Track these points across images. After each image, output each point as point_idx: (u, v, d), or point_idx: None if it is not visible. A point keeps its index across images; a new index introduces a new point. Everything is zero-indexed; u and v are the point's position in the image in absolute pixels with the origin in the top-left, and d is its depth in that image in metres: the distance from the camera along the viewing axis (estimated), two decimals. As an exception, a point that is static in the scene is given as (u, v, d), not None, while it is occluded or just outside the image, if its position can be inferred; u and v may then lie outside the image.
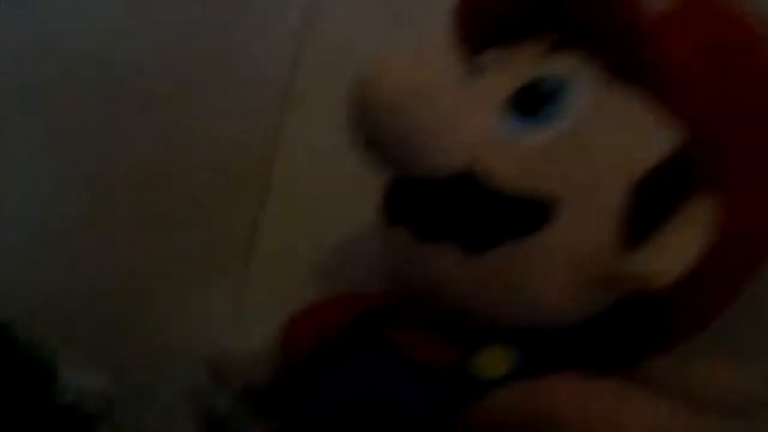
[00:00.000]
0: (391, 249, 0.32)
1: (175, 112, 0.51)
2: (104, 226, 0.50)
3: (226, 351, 0.38)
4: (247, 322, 0.40)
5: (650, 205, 0.28)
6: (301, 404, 0.33)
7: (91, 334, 0.49)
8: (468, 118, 0.29)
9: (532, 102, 0.29)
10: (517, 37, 0.33)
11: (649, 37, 0.28)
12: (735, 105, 0.29)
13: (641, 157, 0.28)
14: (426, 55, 0.30)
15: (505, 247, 0.28)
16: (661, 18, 0.28)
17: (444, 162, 0.29)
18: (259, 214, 0.52)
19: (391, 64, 0.29)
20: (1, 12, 0.49)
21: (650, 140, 0.28)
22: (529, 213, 0.28)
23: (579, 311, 0.30)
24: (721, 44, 0.30)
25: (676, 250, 0.28)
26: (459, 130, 0.29)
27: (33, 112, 0.49)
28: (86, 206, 0.49)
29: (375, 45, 0.36)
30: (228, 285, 0.51)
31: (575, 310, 0.30)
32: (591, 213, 0.28)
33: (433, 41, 0.35)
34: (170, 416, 0.41)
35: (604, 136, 0.28)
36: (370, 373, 0.32)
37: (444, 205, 0.30)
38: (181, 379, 0.37)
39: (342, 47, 0.50)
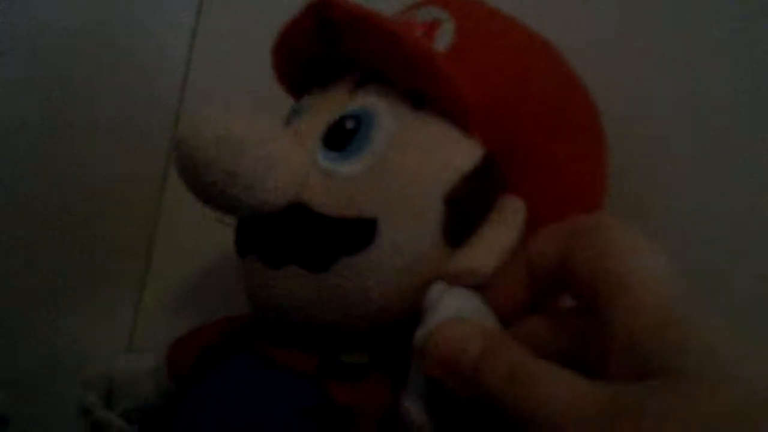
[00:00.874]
0: (245, 276, 0.35)
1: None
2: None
3: (116, 371, 0.39)
4: (138, 344, 0.41)
5: (465, 210, 0.31)
6: (175, 416, 0.34)
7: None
8: (287, 158, 0.31)
9: (340, 138, 0.32)
10: (330, 79, 0.35)
11: (436, 72, 0.31)
12: (520, 119, 0.32)
13: (449, 170, 0.31)
14: (240, 103, 0.31)
15: (340, 264, 0.31)
16: (445, 52, 0.32)
17: (269, 200, 0.31)
18: (152, 239, 0.53)
19: (205, 117, 0.30)
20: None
21: (455, 155, 0.31)
22: (355, 233, 0.31)
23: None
24: (500, 64, 0.33)
25: (491, 245, 0.30)
26: (279, 170, 0.31)
27: None
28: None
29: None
30: (122, 304, 0.52)
31: (415, 307, 0.31)
32: (411, 225, 0.31)
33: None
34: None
35: (413, 157, 0.31)
36: (239, 379, 0.33)
37: (281, 234, 0.32)
38: (72, 398, 0.38)
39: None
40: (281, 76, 0.38)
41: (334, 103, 0.34)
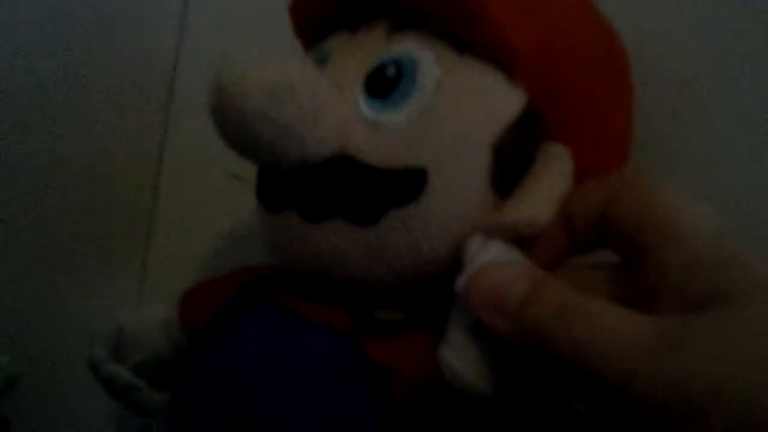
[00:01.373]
0: (278, 234, 0.33)
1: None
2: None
3: (125, 323, 0.38)
4: (148, 297, 0.40)
5: (512, 158, 0.30)
6: (194, 370, 0.33)
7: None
8: (332, 106, 0.30)
9: (383, 86, 0.30)
10: (359, 22, 0.33)
11: (486, 16, 0.29)
12: (566, 65, 0.31)
13: (496, 117, 0.30)
14: (281, 49, 0.29)
15: (389, 217, 0.30)
16: None
17: (316, 152, 0.30)
18: (155, 196, 0.53)
19: (251, 61, 0.28)
20: None
21: (501, 102, 0.30)
22: (404, 184, 0.29)
23: None
24: (544, 11, 0.32)
25: (545, 194, 0.29)
26: (326, 119, 0.29)
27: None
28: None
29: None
30: (130, 266, 0.52)
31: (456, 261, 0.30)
32: (461, 174, 0.30)
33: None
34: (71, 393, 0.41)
35: (460, 104, 0.30)
36: (266, 334, 0.32)
37: (324, 187, 0.30)
38: (83, 353, 0.37)
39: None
40: (300, 18, 0.35)
41: (369, 48, 0.32)
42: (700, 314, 0.22)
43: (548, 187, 0.29)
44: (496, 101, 0.30)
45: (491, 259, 0.28)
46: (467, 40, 0.30)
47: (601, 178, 0.28)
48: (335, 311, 0.32)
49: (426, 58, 0.30)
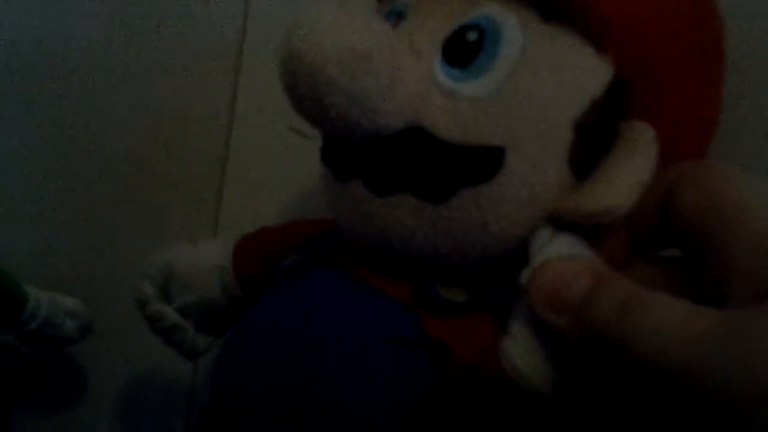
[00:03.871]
0: (343, 202, 0.32)
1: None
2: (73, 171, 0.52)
3: (177, 263, 0.37)
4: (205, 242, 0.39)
5: (594, 136, 0.28)
6: (248, 323, 0.33)
7: (68, 264, 0.51)
8: (408, 75, 0.28)
9: (463, 52, 0.29)
10: None
11: None
12: (659, 38, 0.29)
13: (581, 93, 0.28)
14: (357, 12, 0.27)
15: (460, 195, 0.28)
16: None
17: (387, 123, 0.28)
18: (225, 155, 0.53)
19: (325, 26, 0.26)
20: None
21: (588, 76, 0.28)
22: (480, 162, 0.28)
23: None
24: None
25: (627, 180, 0.27)
26: (401, 91, 0.28)
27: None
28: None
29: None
30: (201, 221, 0.52)
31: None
32: (539, 154, 0.28)
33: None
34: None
35: (543, 80, 0.28)
36: (325, 295, 0.32)
37: (396, 159, 0.29)
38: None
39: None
40: None
41: (449, 8, 0.30)
42: (762, 306, 0.21)
43: (630, 173, 0.27)
44: (582, 75, 0.28)
45: (555, 254, 0.27)
46: (557, 5, 0.28)
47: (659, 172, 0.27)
48: (399, 283, 0.31)
49: (510, 23, 0.28)
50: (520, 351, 0.27)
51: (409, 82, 0.28)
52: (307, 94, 0.27)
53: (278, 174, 0.50)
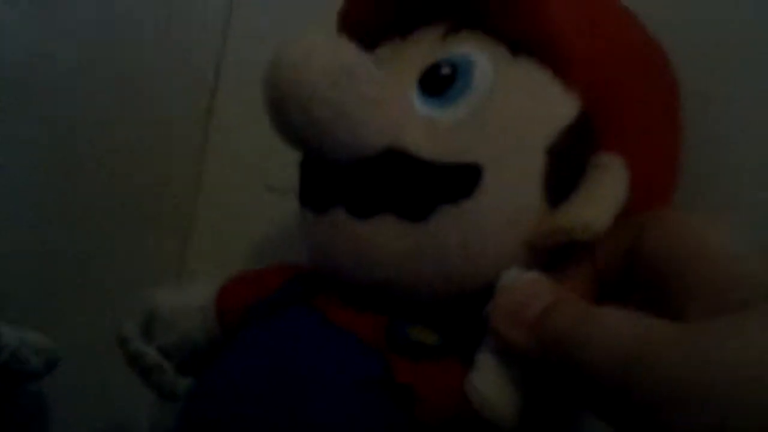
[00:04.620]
0: (322, 234, 0.32)
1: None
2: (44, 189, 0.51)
3: (161, 303, 0.37)
4: (188, 282, 0.39)
5: (565, 165, 0.30)
6: (221, 365, 0.33)
7: (33, 295, 0.50)
8: (384, 102, 0.29)
9: (438, 83, 0.30)
10: (409, 30, 0.34)
11: (545, 16, 0.29)
12: (619, 73, 0.31)
13: (551, 121, 0.30)
14: (339, 39, 0.29)
15: (440, 213, 0.29)
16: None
17: (370, 143, 0.29)
18: (197, 184, 0.53)
19: (311, 45, 0.28)
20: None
21: (556, 106, 0.30)
22: (457, 179, 0.29)
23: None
24: (597, 21, 0.32)
25: (602, 200, 0.29)
26: (383, 107, 0.29)
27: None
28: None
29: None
30: (170, 254, 0.52)
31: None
32: (515, 175, 0.29)
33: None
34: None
35: (514, 105, 0.30)
36: (294, 336, 0.32)
37: (376, 181, 0.30)
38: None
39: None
40: (350, 24, 0.35)
41: (424, 50, 0.32)
42: (717, 319, 0.22)
43: (605, 194, 0.29)
44: (550, 104, 0.30)
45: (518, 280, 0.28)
46: (525, 39, 0.30)
47: (628, 218, 0.28)
48: (370, 322, 0.31)
49: (481, 57, 0.30)
50: (484, 380, 0.28)
51: (391, 102, 0.30)
52: (295, 110, 0.28)
53: (247, 219, 0.51)
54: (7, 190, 0.49)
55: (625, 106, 0.31)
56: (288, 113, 0.28)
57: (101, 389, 0.49)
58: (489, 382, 0.28)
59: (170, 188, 0.53)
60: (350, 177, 0.31)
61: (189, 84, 0.54)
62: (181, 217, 0.53)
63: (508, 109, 0.30)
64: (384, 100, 0.29)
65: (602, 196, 0.29)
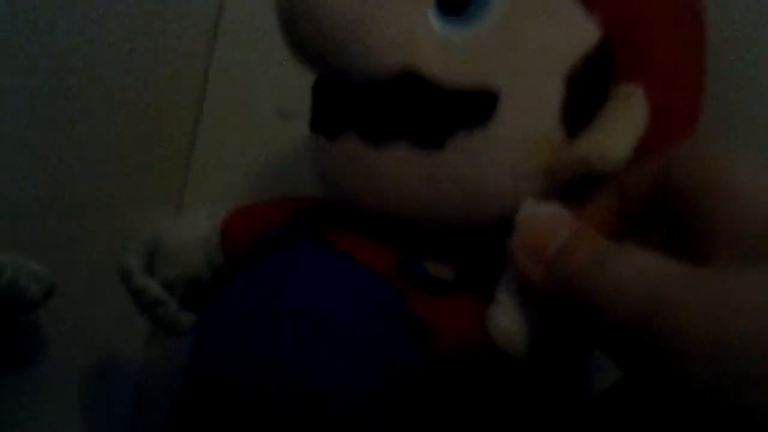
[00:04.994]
0: (335, 160, 0.32)
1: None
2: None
3: (163, 236, 0.37)
4: (190, 215, 0.38)
5: (584, 93, 0.29)
6: (230, 295, 0.32)
7: (31, 225, 0.49)
8: (399, 15, 0.29)
9: (455, 2, 0.29)
10: None
11: None
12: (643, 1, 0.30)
13: (571, 47, 0.29)
14: None
15: (455, 140, 0.28)
16: None
17: (384, 58, 0.29)
18: (194, 131, 0.52)
19: None
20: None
21: (577, 31, 0.29)
22: (473, 106, 0.28)
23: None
24: None
25: (621, 131, 0.28)
26: (392, 26, 0.28)
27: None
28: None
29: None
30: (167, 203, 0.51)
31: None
32: (532, 101, 0.28)
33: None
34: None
35: (535, 29, 0.29)
36: (306, 269, 0.31)
37: (390, 105, 0.29)
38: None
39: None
40: None
41: None
42: (742, 268, 0.21)
43: (624, 124, 0.28)
44: (571, 30, 0.29)
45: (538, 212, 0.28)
46: None
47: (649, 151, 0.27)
48: (383, 255, 0.31)
49: None
50: (505, 314, 0.28)
51: (403, 22, 0.29)
52: (307, 20, 0.27)
53: (250, 145, 0.50)
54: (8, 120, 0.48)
55: (648, 36, 0.30)
56: (300, 25, 0.28)
57: (96, 323, 0.49)
58: (510, 316, 0.28)
59: (170, 120, 0.52)
60: (363, 100, 0.30)
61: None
62: (181, 149, 0.52)
63: (527, 32, 0.29)
64: (399, 13, 0.28)
65: (621, 127, 0.28)
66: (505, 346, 0.28)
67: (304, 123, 0.34)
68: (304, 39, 0.28)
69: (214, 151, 0.51)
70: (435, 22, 0.29)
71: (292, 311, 0.30)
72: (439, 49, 0.29)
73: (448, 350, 0.29)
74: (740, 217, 0.23)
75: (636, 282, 0.22)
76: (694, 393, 0.20)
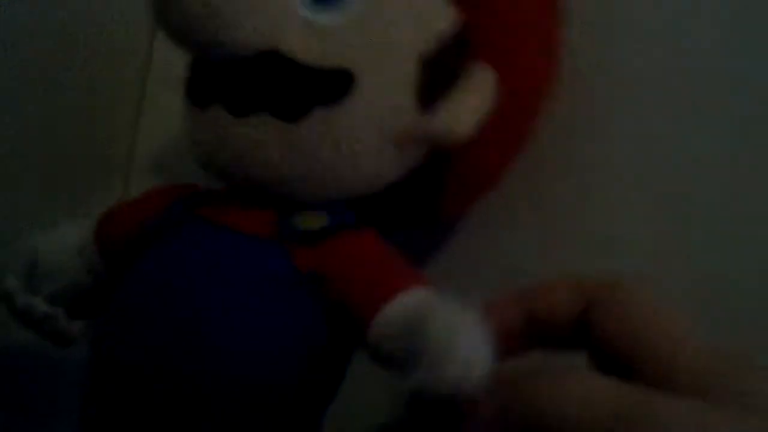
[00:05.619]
0: (204, 129, 0.33)
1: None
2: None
3: (38, 251, 0.36)
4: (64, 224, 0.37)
5: (438, 73, 0.32)
6: (122, 289, 0.33)
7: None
8: (265, 4, 0.30)
9: None
10: None
11: None
12: None
13: (427, 31, 0.31)
14: None
15: (315, 115, 0.30)
16: None
17: (247, 41, 0.30)
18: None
19: None
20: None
21: (434, 17, 0.32)
22: (332, 83, 0.30)
23: (387, 172, 0.33)
24: None
25: (468, 107, 0.32)
26: (261, 11, 0.29)
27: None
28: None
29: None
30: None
31: (384, 171, 0.33)
32: (387, 80, 0.31)
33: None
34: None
35: (394, 13, 0.31)
36: (193, 248, 0.32)
37: (254, 80, 0.31)
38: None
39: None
40: None
41: None
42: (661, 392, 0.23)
43: (469, 104, 0.32)
44: (428, 15, 0.32)
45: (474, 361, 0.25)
46: None
47: (575, 282, 0.28)
48: (263, 220, 0.32)
49: None
50: None
51: (272, 7, 0.30)
52: (174, 6, 0.28)
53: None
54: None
55: (501, 22, 0.34)
56: (167, 11, 0.29)
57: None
58: None
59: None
60: (228, 75, 0.31)
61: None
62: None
63: (385, 16, 0.31)
64: (266, 2, 0.30)
65: (468, 104, 0.32)
66: None
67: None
68: (170, 23, 0.29)
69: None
70: (302, 8, 0.31)
71: (187, 291, 0.30)
72: (302, 31, 0.30)
73: (343, 293, 0.30)
74: (668, 357, 0.24)
75: (562, 400, 0.23)
76: None
